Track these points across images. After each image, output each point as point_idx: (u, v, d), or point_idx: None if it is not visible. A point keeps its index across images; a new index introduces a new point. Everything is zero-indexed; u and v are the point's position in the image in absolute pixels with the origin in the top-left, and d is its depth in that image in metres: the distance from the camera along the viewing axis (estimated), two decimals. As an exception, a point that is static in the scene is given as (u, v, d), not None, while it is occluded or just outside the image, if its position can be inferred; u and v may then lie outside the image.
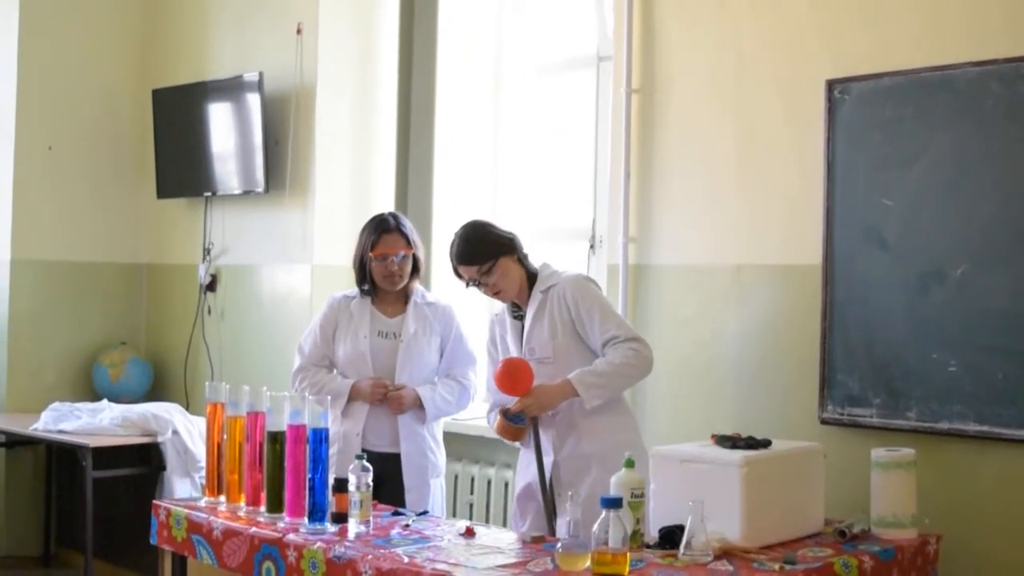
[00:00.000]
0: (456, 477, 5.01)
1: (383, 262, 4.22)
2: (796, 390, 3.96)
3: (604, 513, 2.77)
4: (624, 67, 4.43)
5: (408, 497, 4.20)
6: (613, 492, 3.12)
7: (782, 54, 4.06)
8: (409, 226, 4.33)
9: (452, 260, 3.87)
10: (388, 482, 4.15)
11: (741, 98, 4.16)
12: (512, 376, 3.70)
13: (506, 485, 4.89)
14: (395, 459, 4.23)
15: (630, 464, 3.21)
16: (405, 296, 4.33)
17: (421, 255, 4.33)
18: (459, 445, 4.96)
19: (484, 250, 3.80)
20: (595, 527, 2.78)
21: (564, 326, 3.77)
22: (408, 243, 4.27)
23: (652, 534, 3.23)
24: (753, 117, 4.13)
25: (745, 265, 4.13)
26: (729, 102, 4.19)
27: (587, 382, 3.65)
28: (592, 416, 3.73)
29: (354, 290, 4.36)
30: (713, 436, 3.48)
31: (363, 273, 4.29)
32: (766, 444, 3.39)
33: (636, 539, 3.12)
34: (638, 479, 3.21)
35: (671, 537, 3.12)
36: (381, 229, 4.26)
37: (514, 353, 3.85)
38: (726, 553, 3.08)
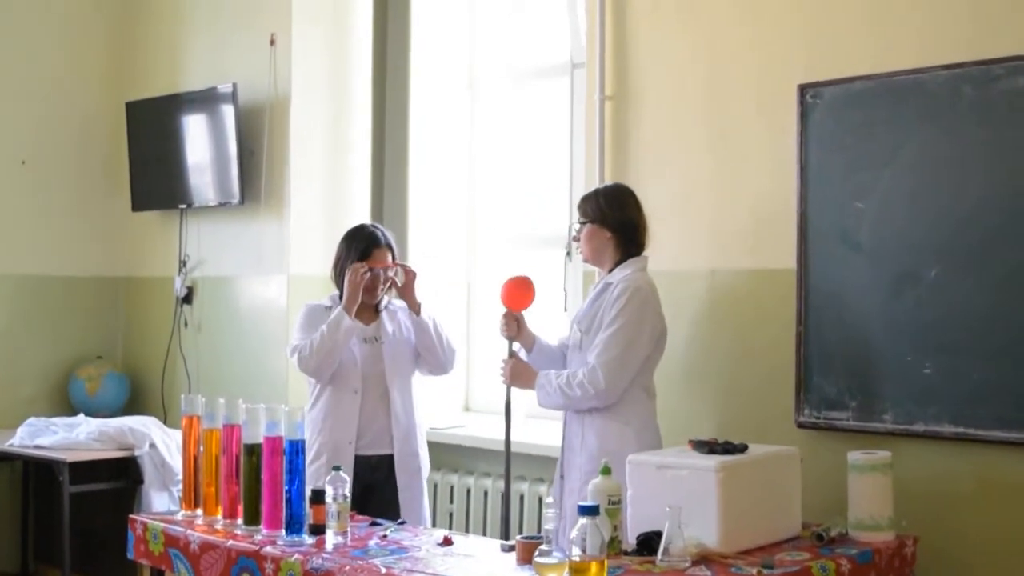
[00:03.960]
0: (436, 486, 5.00)
1: (373, 274, 4.25)
2: (772, 394, 3.96)
3: (581, 520, 2.77)
4: (597, 74, 4.43)
5: (401, 497, 4.24)
6: (590, 499, 3.12)
7: (754, 60, 4.07)
8: (393, 241, 4.39)
9: None
10: (382, 484, 4.21)
11: (714, 103, 4.17)
12: (513, 293, 4.02)
13: (486, 494, 4.89)
14: (387, 461, 4.27)
15: (606, 471, 3.21)
16: (375, 305, 4.36)
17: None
18: (439, 454, 4.95)
19: (588, 208, 3.86)
20: (572, 534, 2.78)
21: (596, 328, 3.77)
22: (394, 259, 4.34)
23: (630, 541, 3.23)
24: (726, 122, 4.14)
25: (720, 270, 4.14)
26: (702, 108, 4.20)
27: (541, 383, 3.82)
28: (597, 420, 3.76)
29: (327, 300, 4.36)
30: (690, 441, 3.48)
31: (344, 280, 4.26)
32: (743, 449, 3.40)
33: (614, 546, 3.12)
34: (615, 486, 3.21)
35: (649, 543, 3.12)
36: (373, 243, 4.29)
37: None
38: (704, 559, 3.08)
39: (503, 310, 4.04)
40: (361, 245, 4.30)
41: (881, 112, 3.73)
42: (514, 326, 4.04)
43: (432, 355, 4.34)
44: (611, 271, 3.84)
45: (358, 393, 4.25)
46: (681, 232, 4.23)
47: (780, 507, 3.41)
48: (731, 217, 4.11)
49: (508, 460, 4.06)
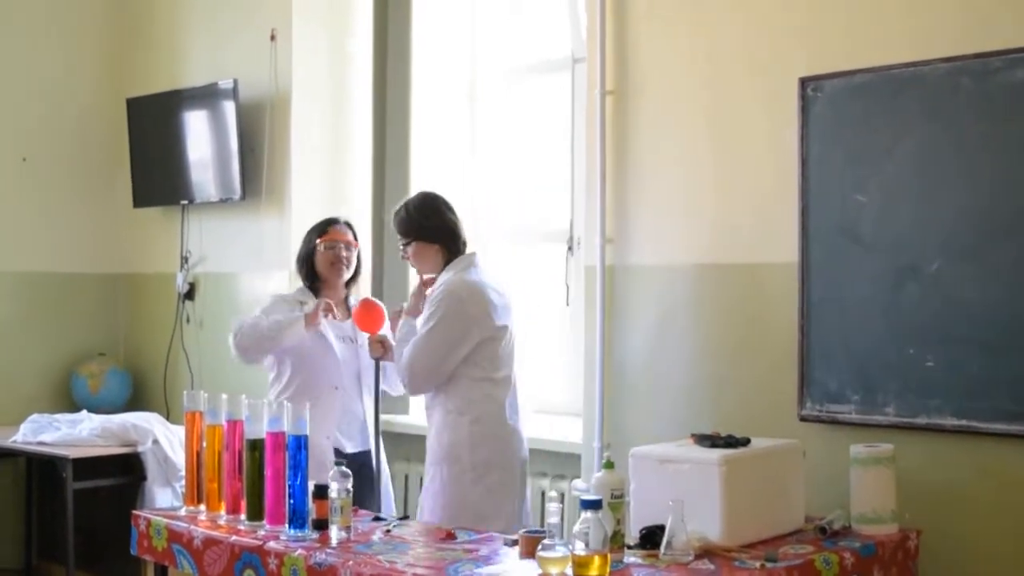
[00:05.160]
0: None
1: (332, 249, 4.38)
2: (775, 388, 3.96)
3: (584, 514, 2.78)
4: (598, 69, 4.43)
5: (386, 497, 4.37)
6: (594, 493, 3.12)
7: (755, 53, 4.07)
8: (354, 229, 4.53)
9: None
10: (357, 480, 4.24)
11: (715, 97, 4.17)
12: (364, 317, 4.22)
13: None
14: (361, 456, 4.33)
15: (609, 465, 3.21)
16: (345, 300, 4.45)
17: (361, 259, 4.50)
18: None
19: (408, 227, 4.05)
20: (576, 528, 2.78)
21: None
22: (355, 239, 4.47)
23: (633, 534, 3.23)
24: (727, 116, 4.13)
25: (722, 264, 4.14)
26: (703, 102, 4.20)
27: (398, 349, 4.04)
28: (436, 413, 3.99)
29: (297, 291, 4.48)
30: (692, 435, 3.49)
31: (310, 270, 4.44)
32: (745, 442, 3.40)
33: (617, 540, 3.12)
34: (618, 479, 3.20)
35: (652, 537, 3.12)
36: (330, 222, 4.48)
37: None
38: (707, 552, 3.08)
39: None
40: (319, 225, 4.46)
41: (881, 105, 3.73)
42: (379, 348, 4.26)
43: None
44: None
45: (339, 389, 4.32)
46: (682, 226, 4.23)
47: (783, 500, 3.41)
48: (732, 211, 4.11)
49: (378, 439, 4.31)
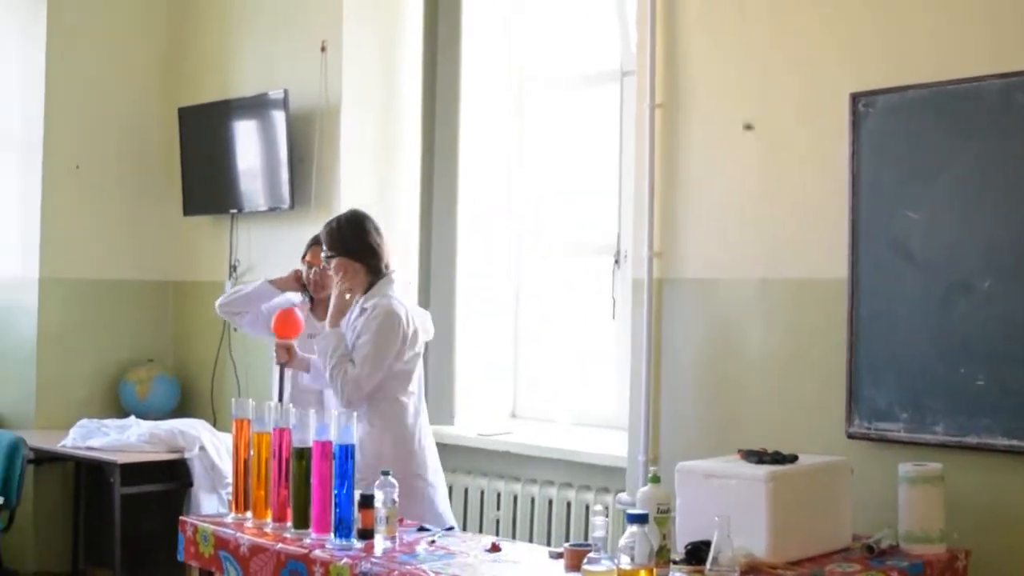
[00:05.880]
0: (482, 492, 5.01)
1: (308, 270, 4.66)
2: (823, 404, 3.94)
3: (630, 528, 2.77)
4: (647, 82, 4.42)
5: None
6: (640, 507, 3.11)
7: (806, 68, 4.05)
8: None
9: None
10: None
11: (765, 112, 4.15)
12: (283, 323, 4.42)
13: (532, 500, 4.88)
14: None
15: (656, 479, 3.21)
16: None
17: None
18: (485, 460, 4.97)
19: (332, 242, 4.18)
20: (621, 542, 2.78)
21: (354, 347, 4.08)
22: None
23: (678, 550, 3.22)
24: (777, 131, 4.12)
25: (770, 279, 4.12)
26: (753, 116, 4.18)
27: (322, 348, 4.10)
28: (362, 429, 4.01)
29: (297, 298, 4.77)
30: (740, 451, 3.47)
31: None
32: (793, 459, 3.38)
33: (663, 555, 3.11)
34: (664, 494, 3.20)
35: (698, 553, 3.11)
36: (314, 241, 4.65)
37: None
38: (753, 569, 3.07)
39: (278, 340, 4.46)
40: (308, 243, 4.71)
41: (934, 121, 3.70)
42: (284, 354, 4.46)
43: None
44: (365, 294, 4.12)
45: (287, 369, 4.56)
46: (731, 241, 4.22)
47: (830, 518, 3.38)
48: (782, 226, 4.09)
49: None
